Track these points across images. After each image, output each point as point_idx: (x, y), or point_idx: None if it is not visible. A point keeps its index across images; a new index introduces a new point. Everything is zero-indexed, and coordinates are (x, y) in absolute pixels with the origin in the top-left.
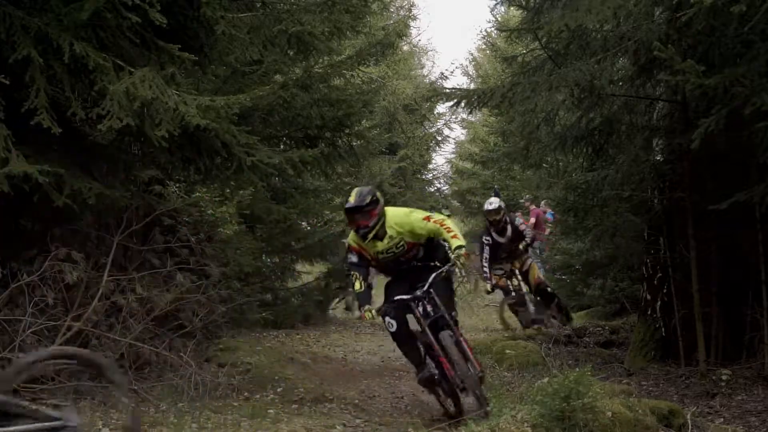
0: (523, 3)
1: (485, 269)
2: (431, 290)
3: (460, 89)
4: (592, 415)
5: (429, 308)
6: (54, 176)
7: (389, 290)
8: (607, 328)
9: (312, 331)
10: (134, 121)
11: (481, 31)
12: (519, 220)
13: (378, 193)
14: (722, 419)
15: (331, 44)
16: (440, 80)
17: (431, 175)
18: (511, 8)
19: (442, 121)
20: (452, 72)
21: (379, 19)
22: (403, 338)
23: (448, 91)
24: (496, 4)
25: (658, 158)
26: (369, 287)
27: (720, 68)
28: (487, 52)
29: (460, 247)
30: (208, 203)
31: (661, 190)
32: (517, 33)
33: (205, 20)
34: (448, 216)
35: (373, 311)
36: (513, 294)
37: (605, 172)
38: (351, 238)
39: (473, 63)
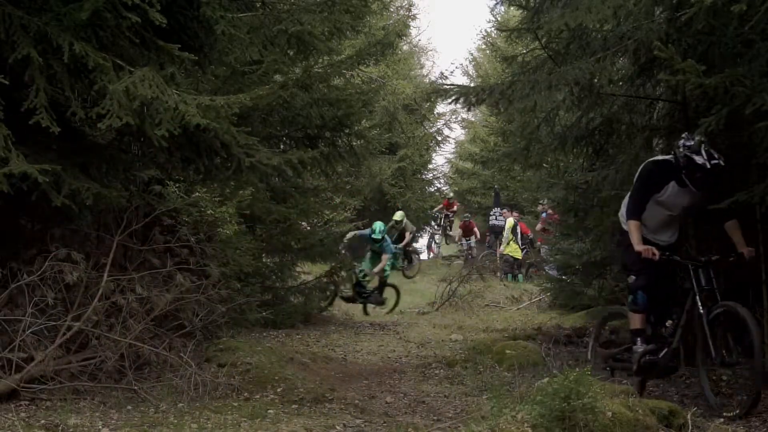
0: (523, 3)
1: None
2: None
3: (458, 86)
4: (592, 415)
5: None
6: (53, 175)
7: None
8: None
9: (312, 331)
10: (134, 120)
11: (481, 31)
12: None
13: None
14: (722, 419)
15: (331, 44)
16: (440, 80)
17: (431, 175)
18: (511, 8)
19: (442, 121)
20: (452, 72)
21: (379, 19)
22: None
23: (446, 87)
24: (496, 4)
25: None
26: None
27: (720, 68)
28: (487, 52)
29: None
30: (208, 203)
31: None
32: (517, 33)
33: (205, 20)
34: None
35: None
36: None
37: (605, 172)
38: None
39: (473, 63)
